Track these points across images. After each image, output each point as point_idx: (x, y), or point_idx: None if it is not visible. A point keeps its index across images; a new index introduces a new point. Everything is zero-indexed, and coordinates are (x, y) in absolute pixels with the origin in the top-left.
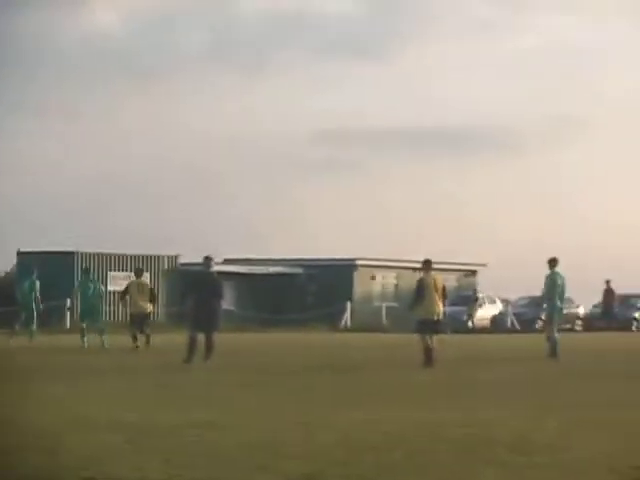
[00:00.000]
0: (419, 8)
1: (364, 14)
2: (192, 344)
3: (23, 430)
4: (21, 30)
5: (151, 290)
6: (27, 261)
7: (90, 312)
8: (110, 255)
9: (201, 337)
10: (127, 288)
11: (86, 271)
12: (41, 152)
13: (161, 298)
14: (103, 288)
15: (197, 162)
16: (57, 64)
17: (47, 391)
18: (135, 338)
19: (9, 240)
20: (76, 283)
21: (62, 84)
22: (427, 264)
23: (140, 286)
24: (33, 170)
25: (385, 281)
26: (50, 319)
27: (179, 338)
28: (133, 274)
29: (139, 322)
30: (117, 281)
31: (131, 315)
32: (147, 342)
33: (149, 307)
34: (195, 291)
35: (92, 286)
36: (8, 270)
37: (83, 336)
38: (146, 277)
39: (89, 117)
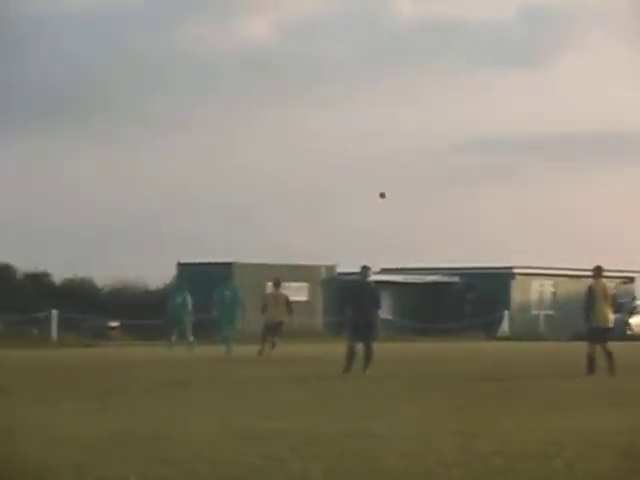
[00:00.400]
0: (573, 14)
1: (517, 20)
2: (351, 354)
3: (184, 441)
4: (169, 45)
5: (286, 300)
6: (186, 273)
7: (227, 320)
8: (268, 265)
9: (360, 347)
10: (265, 298)
11: (226, 278)
12: (193, 164)
13: (319, 308)
14: (241, 296)
15: (352, 170)
16: (206, 77)
17: (205, 402)
18: (273, 344)
19: (170, 251)
20: (216, 292)
21: (211, 98)
22: (597, 271)
23: (276, 297)
24: (190, 182)
25: (542, 289)
26: (207, 330)
27: (338, 348)
28: (271, 284)
29: (272, 330)
30: None
31: (265, 324)
32: (272, 347)
33: (283, 316)
34: (353, 301)
35: (229, 294)
36: (168, 282)
37: (228, 345)
38: (288, 287)
39: (237, 127)
